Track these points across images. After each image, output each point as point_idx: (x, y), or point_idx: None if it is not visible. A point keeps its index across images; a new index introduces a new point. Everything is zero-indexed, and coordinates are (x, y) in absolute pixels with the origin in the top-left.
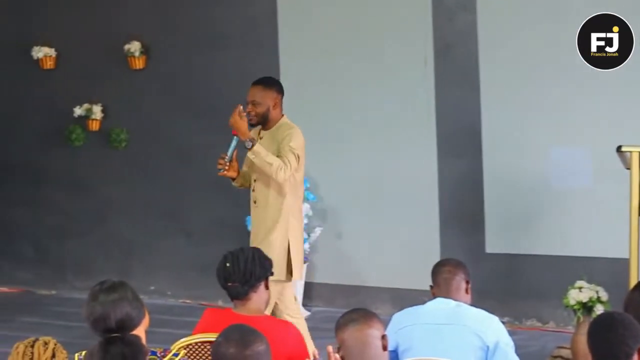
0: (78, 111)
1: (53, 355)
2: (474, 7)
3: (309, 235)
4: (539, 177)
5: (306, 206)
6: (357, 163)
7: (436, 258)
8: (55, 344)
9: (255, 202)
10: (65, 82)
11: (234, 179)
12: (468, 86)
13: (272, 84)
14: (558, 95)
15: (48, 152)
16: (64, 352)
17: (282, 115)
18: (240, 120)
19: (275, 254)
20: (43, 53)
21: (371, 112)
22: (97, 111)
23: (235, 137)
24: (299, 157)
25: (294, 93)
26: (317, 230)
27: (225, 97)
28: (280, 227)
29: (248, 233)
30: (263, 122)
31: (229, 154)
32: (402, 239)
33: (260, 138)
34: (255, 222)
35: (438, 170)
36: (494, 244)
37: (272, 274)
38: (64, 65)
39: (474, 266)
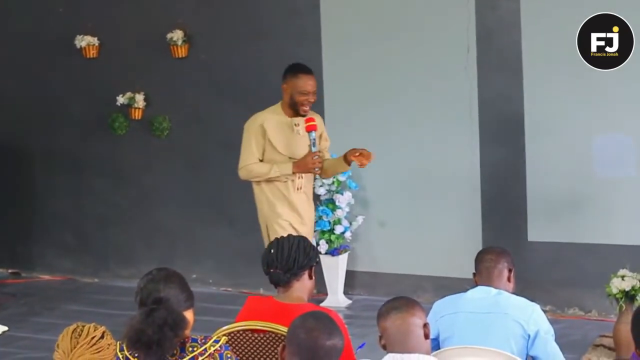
0: (121, 100)
1: (102, 336)
2: None
3: (350, 224)
4: (582, 165)
5: (348, 194)
6: (399, 151)
7: (478, 246)
8: (105, 330)
9: (300, 188)
10: (108, 70)
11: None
12: (511, 74)
13: None
14: (602, 84)
15: (91, 141)
16: (112, 338)
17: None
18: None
19: None
20: (86, 42)
21: (413, 100)
22: (139, 100)
23: (312, 132)
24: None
25: (335, 82)
26: (359, 219)
27: (267, 87)
28: None
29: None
30: None
31: (315, 150)
32: (444, 227)
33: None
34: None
35: (480, 158)
36: (536, 232)
37: (317, 263)
38: (106, 54)
39: (515, 254)
